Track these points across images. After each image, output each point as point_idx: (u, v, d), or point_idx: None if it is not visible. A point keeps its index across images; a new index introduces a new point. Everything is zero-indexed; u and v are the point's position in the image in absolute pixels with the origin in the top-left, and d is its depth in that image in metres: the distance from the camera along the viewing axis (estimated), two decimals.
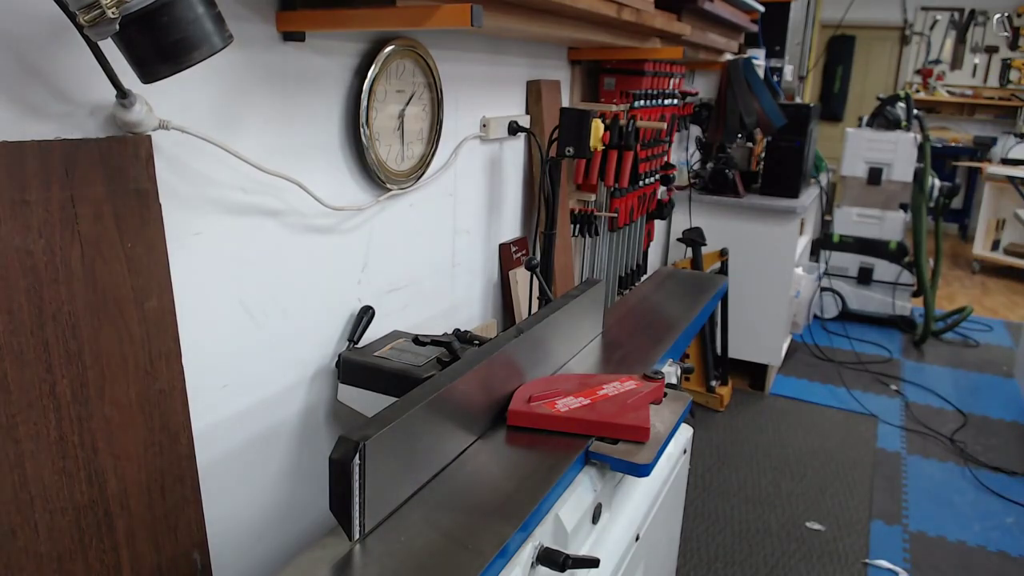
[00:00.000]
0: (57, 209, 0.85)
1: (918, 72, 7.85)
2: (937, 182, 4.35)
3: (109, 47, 0.78)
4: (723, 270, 3.38)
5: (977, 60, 7.66)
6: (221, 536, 1.18)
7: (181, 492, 1.03)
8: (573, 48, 2.12)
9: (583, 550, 1.05)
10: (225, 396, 1.17)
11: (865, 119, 4.55)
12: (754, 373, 3.63)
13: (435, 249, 1.66)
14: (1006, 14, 7.38)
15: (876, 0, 7.50)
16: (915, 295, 4.49)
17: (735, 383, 3.62)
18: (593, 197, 2.21)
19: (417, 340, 1.34)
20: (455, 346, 1.27)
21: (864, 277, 4.57)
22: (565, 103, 2.16)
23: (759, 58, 3.58)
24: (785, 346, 3.74)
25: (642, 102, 2.29)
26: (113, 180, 0.90)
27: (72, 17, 0.71)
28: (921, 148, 4.28)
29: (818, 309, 4.59)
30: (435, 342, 1.29)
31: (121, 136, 0.92)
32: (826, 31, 6.14)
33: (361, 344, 1.40)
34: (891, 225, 4.50)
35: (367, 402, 1.31)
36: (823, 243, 4.54)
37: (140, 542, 0.97)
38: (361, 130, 1.32)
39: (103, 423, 0.92)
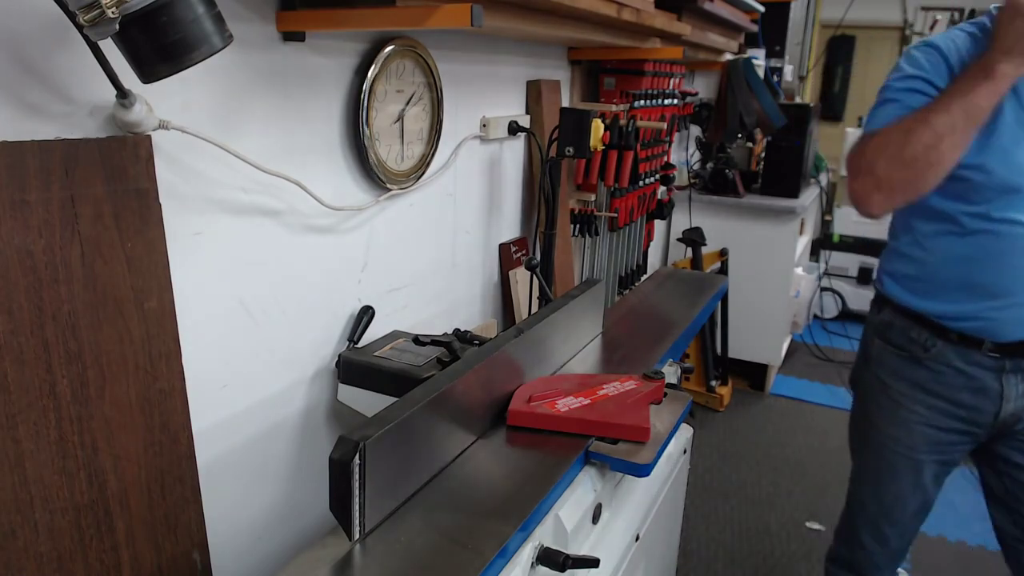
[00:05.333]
0: (57, 209, 0.85)
1: None
2: None
3: (109, 47, 0.78)
4: (723, 270, 3.38)
5: None
6: (221, 536, 1.18)
7: (181, 492, 1.03)
8: (573, 48, 2.12)
9: (583, 550, 1.05)
10: (225, 396, 1.17)
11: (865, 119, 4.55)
12: (754, 373, 3.63)
13: (435, 249, 1.66)
14: None
15: (876, 0, 7.50)
16: None
17: (735, 383, 3.62)
18: (593, 197, 2.21)
19: (417, 340, 1.34)
20: (455, 346, 1.27)
21: (864, 277, 4.57)
22: (565, 103, 2.16)
23: (759, 58, 3.58)
24: (785, 346, 3.74)
25: (642, 102, 2.29)
26: (113, 180, 0.90)
27: (72, 17, 0.71)
28: None
29: (818, 309, 4.59)
30: (435, 342, 1.29)
31: (121, 136, 0.92)
32: (826, 31, 6.14)
33: (361, 344, 1.40)
34: None
35: (367, 402, 1.31)
36: (823, 243, 4.54)
37: (140, 542, 0.97)
38: (361, 130, 1.32)
39: (103, 423, 0.92)
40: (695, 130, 3.53)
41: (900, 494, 1.56)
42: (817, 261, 4.45)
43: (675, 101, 2.60)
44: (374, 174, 1.37)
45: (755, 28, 3.52)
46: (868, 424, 1.61)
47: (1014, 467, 1.46)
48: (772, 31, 3.83)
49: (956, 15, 7.63)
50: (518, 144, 1.94)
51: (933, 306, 1.41)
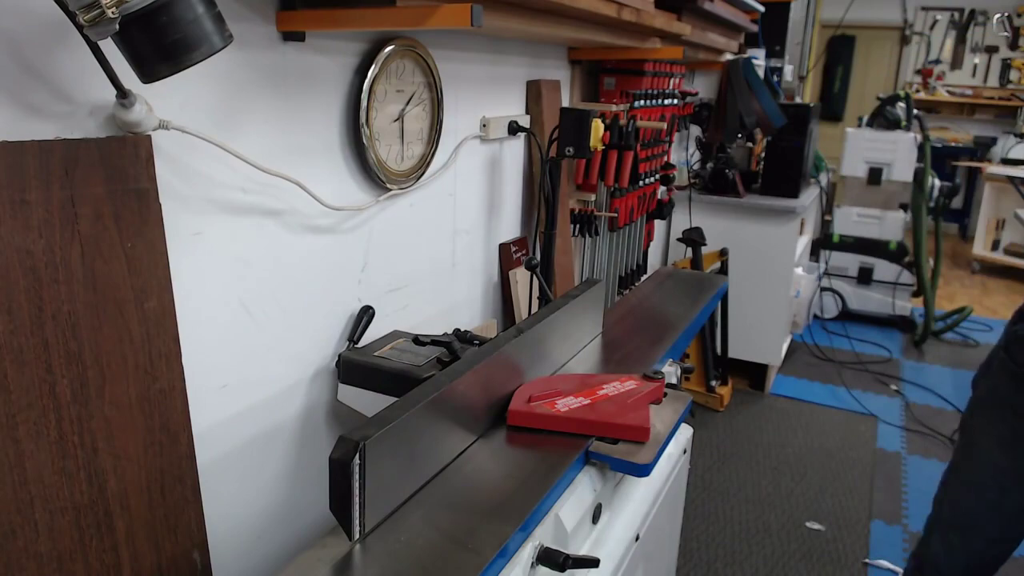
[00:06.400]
0: (57, 209, 0.85)
1: (918, 72, 7.85)
2: (937, 182, 4.35)
3: (109, 47, 0.78)
4: (723, 270, 3.38)
5: (977, 60, 7.66)
6: (221, 536, 1.18)
7: (181, 492, 1.03)
8: (573, 48, 2.12)
9: (583, 550, 1.05)
10: (225, 396, 1.17)
11: (865, 119, 4.55)
12: (754, 373, 3.63)
13: (435, 249, 1.66)
14: (1006, 14, 7.38)
15: (876, 0, 7.50)
16: (915, 295, 4.49)
17: (735, 383, 3.62)
18: (593, 197, 2.21)
19: (417, 340, 1.34)
20: (455, 346, 1.27)
21: (864, 277, 4.57)
22: (565, 103, 2.16)
23: (759, 58, 3.58)
24: (785, 346, 3.74)
25: (642, 102, 2.29)
26: (113, 180, 0.90)
27: (72, 17, 0.71)
28: (921, 148, 4.28)
29: (818, 309, 4.59)
30: (435, 342, 1.29)
31: (121, 136, 0.92)
32: (826, 31, 6.14)
33: (361, 344, 1.40)
34: (891, 225, 4.50)
35: (367, 402, 1.31)
36: (823, 243, 4.54)
37: (140, 542, 0.97)
38: (361, 130, 1.32)
39: (103, 423, 0.92)
40: (695, 130, 3.53)
41: (977, 510, 1.49)
42: (817, 261, 4.45)
43: (675, 101, 2.60)
44: (374, 174, 1.37)
45: (755, 28, 3.52)
46: (970, 428, 1.54)
47: None
48: (772, 31, 3.84)
49: (956, 15, 7.62)
50: (518, 144, 1.94)
51: None
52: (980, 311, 5.10)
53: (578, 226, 2.20)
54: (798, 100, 4.65)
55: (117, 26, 0.71)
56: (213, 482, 1.15)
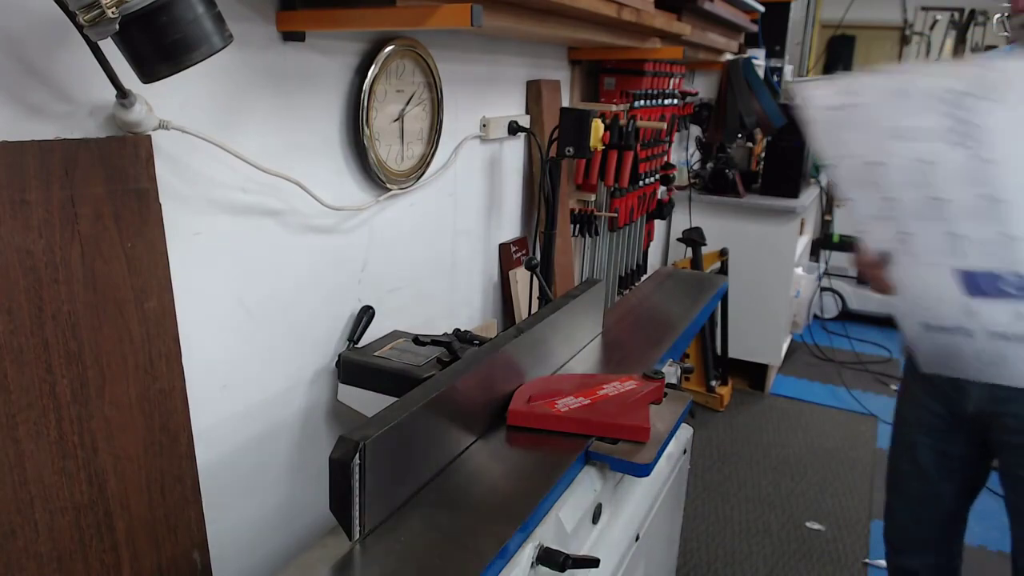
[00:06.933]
0: (57, 209, 0.85)
1: None
2: None
3: (109, 47, 0.78)
4: (723, 270, 3.38)
5: None
6: (221, 536, 1.18)
7: (181, 492, 1.03)
8: (573, 48, 2.12)
9: (583, 550, 1.05)
10: (225, 396, 1.17)
11: None
12: (754, 373, 3.63)
13: (435, 249, 1.66)
14: (1006, 14, 7.38)
15: (876, 0, 7.50)
16: None
17: (735, 383, 3.61)
18: (593, 197, 2.21)
19: (417, 340, 1.34)
20: (455, 346, 1.27)
21: (864, 277, 4.56)
22: (565, 103, 2.16)
23: (759, 58, 3.58)
24: (785, 346, 3.74)
25: (642, 102, 2.29)
26: (113, 180, 0.90)
27: (72, 17, 0.71)
28: None
29: (818, 309, 4.59)
30: (435, 342, 1.29)
31: (121, 136, 0.92)
32: (826, 31, 6.14)
33: (361, 344, 1.40)
34: None
35: (367, 402, 1.31)
36: (823, 243, 4.54)
37: (140, 542, 0.97)
38: (361, 130, 1.32)
39: (103, 423, 0.92)
40: (695, 130, 3.53)
41: (899, 469, 1.63)
42: (817, 261, 4.45)
43: (675, 101, 2.60)
44: (374, 174, 1.37)
45: (755, 28, 3.52)
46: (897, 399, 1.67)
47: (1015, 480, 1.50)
48: (772, 31, 3.83)
49: (956, 15, 7.62)
50: (518, 144, 1.94)
51: None
52: None
53: (578, 226, 2.20)
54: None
55: (117, 26, 0.71)
56: (213, 482, 1.15)
